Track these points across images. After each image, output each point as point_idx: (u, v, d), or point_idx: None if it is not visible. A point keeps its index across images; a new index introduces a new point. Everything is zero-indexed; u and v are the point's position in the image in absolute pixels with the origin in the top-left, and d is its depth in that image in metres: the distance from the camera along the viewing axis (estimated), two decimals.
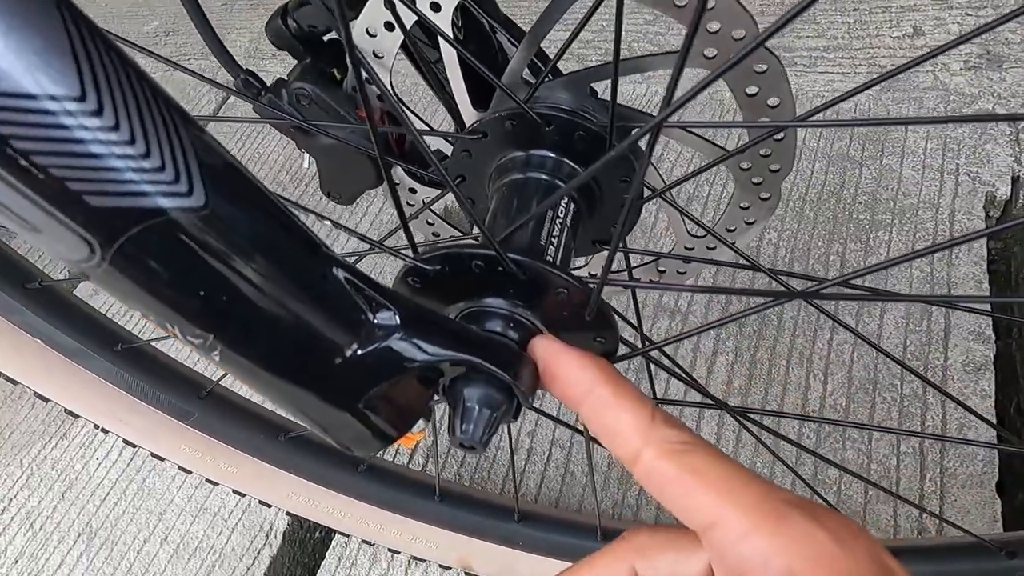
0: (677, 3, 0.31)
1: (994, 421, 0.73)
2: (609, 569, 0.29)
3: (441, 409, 0.97)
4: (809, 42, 1.26)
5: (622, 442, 0.28)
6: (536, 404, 0.95)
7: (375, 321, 0.26)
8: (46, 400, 0.66)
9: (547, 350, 0.31)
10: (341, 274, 0.26)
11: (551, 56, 0.38)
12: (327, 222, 0.42)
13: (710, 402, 0.38)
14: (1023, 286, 0.94)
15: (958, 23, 1.21)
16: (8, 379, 0.63)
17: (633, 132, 0.34)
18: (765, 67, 0.33)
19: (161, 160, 0.20)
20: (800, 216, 1.03)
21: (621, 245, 0.41)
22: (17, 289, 0.57)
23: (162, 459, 0.72)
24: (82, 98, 0.19)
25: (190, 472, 0.72)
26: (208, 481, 0.74)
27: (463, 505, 0.72)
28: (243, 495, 0.75)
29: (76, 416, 0.67)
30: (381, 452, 0.95)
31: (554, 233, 0.35)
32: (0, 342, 0.59)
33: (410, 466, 0.91)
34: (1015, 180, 0.98)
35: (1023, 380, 0.86)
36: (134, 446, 0.70)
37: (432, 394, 0.31)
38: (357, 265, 0.29)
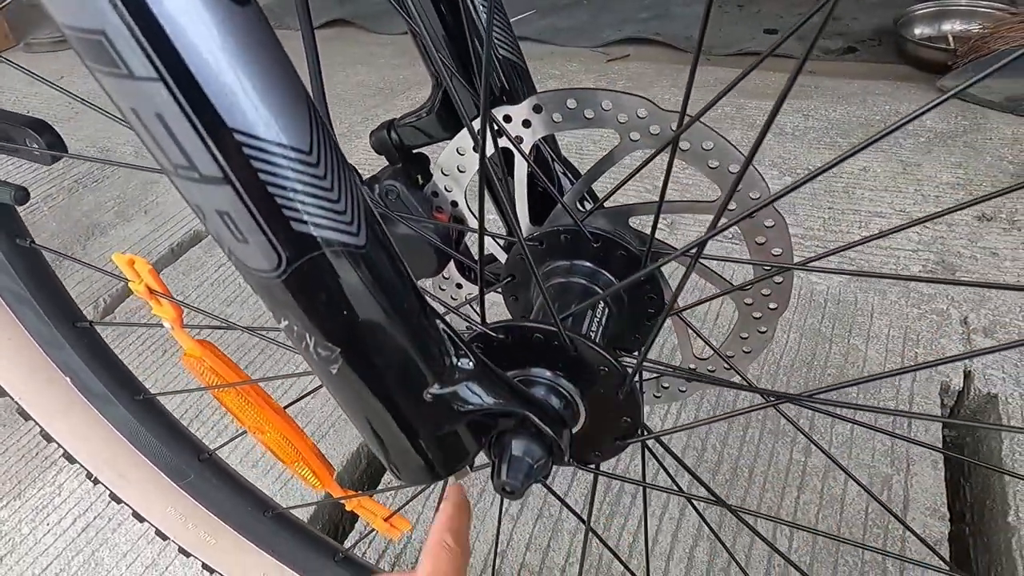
0: (710, 165, 0.40)
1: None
2: None
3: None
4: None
5: None
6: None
7: (457, 364, 0.32)
8: (50, 440, 0.67)
9: None
10: (439, 322, 0.32)
11: (597, 193, 0.47)
12: None
13: (706, 495, 0.43)
14: (974, 473, 1.00)
15: (918, 233, 1.37)
16: (23, 414, 0.65)
17: (662, 258, 0.42)
18: (773, 223, 0.42)
19: (345, 204, 0.27)
20: (774, 380, 1.11)
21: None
22: (67, 326, 0.61)
23: (143, 520, 0.72)
24: (309, 152, 0.26)
25: (167, 538, 0.72)
26: (181, 551, 0.73)
27: None
28: (212, 572, 0.74)
29: (73, 461, 0.68)
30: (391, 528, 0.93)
31: (592, 328, 0.42)
32: (36, 376, 0.62)
33: (380, 564, 0.90)
34: (967, 375, 1.08)
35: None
36: (120, 502, 0.71)
37: (481, 443, 0.35)
38: None
